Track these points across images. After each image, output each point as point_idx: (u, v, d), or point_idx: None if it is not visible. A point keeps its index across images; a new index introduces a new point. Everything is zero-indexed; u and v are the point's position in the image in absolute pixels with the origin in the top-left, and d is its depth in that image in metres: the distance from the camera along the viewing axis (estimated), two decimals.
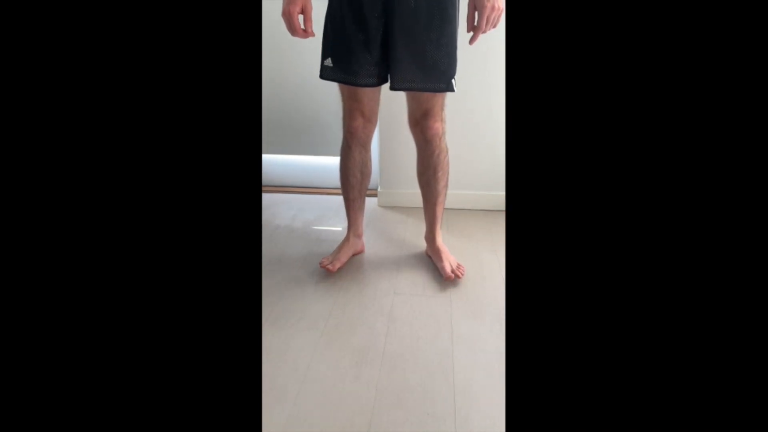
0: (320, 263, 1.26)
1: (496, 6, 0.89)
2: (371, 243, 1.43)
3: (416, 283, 1.23)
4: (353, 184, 1.22)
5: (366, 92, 1.08)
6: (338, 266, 1.26)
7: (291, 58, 1.68)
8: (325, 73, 1.06)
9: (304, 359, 0.96)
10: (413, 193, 1.68)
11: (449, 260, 1.25)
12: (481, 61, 1.44)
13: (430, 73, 1.01)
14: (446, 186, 1.23)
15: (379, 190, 1.72)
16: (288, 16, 0.91)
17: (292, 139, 1.83)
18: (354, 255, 1.34)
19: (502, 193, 1.65)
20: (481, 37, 0.94)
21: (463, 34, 1.01)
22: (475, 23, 0.93)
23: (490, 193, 1.66)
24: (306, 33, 0.95)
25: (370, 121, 1.15)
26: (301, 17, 0.95)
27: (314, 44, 1.09)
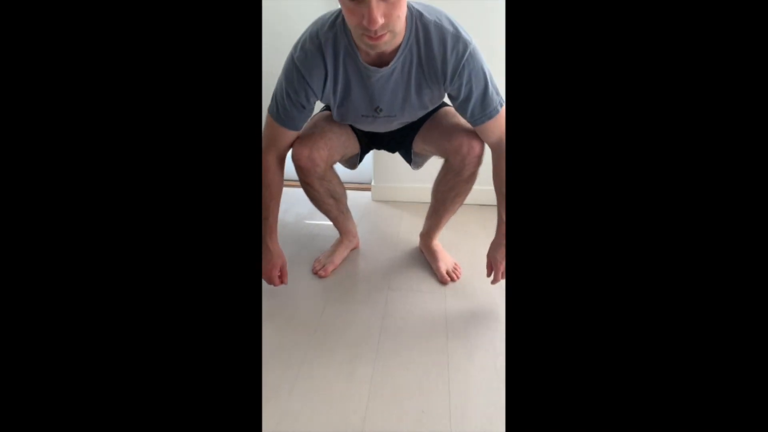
0: (312, 268, 1.24)
1: None
2: (365, 238, 1.42)
3: (411, 279, 1.22)
4: (328, 209, 1.18)
5: (327, 127, 1.03)
6: (331, 269, 1.23)
7: (285, 53, 1.65)
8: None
9: (297, 356, 0.95)
10: (408, 188, 1.67)
11: (445, 261, 1.23)
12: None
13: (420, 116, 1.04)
14: (461, 204, 1.17)
15: (372, 184, 1.70)
16: (268, 278, 1.04)
17: None
18: (350, 251, 1.33)
19: None
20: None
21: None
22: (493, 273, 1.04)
23: (485, 188, 1.64)
24: (282, 283, 1.07)
25: (320, 150, 1.01)
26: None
27: None
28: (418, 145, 1.10)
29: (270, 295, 1.14)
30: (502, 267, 1.02)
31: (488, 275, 1.06)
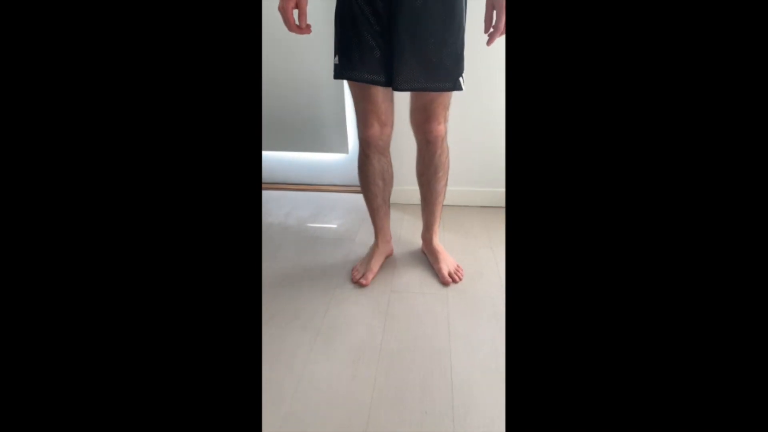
0: (352, 278, 1.22)
1: None
2: (367, 241, 1.42)
3: (413, 281, 1.22)
4: (375, 193, 1.17)
5: (379, 93, 1.02)
6: (371, 277, 1.22)
7: (285, 55, 1.66)
8: (336, 72, 1.03)
9: (300, 358, 0.95)
10: (409, 190, 1.68)
11: (447, 262, 1.24)
12: (479, 55, 1.43)
13: (436, 71, 0.96)
14: (446, 185, 1.20)
15: None
16: (283, 12, 0.89)
17: (285, 136, 1.82)
18: (385, 259, 1.31)
19: (499, 189, 1.65)
20: (480, 29, 0.93)
21: (470, 32, 1.01)
22: (493, 24, 0.90)
23: (486, 190, 1.66)
24: (301, 29, 0.91)
25: (386, 125, 1.07)
26: (296, 12, 0.91)
27: (307, 40, 1.07)
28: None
29: (273, 298, 1.14)
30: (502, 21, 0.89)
31: (486, 30, 0.92)
